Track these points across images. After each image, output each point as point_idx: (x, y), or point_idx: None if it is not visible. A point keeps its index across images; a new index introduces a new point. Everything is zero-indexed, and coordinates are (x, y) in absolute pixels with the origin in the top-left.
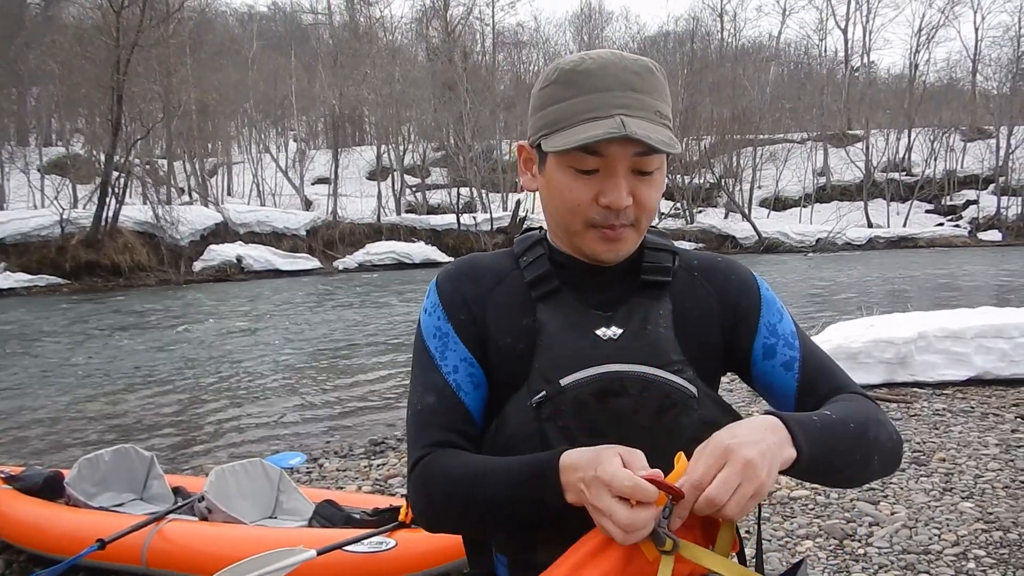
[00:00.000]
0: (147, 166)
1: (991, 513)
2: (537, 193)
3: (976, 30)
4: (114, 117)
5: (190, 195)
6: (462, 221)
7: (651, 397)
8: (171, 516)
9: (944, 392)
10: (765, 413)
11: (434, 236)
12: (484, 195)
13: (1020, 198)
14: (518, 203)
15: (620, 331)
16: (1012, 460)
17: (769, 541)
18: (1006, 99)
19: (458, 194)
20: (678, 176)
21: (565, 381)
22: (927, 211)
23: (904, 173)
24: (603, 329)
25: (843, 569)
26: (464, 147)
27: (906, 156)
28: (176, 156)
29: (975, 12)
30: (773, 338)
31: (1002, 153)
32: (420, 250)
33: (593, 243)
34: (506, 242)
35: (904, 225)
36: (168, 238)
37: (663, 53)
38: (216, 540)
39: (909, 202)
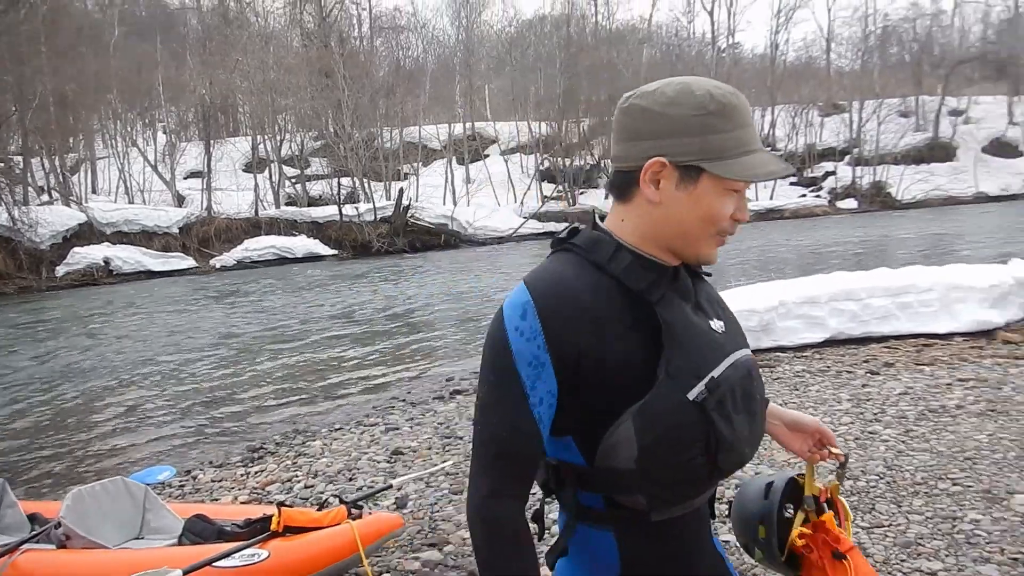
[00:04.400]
0: (0, 164)
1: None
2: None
3: (829, 11)
4: None
5: (50, 194)
6: (345, 212)
7: (759, 374)
8: (25, 547)
9: (803, 355)
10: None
11: (316, 229)
12: (366, 184)
13: (872, 168)
14: (401, 191)
15: (720, 322)
16: (862, 413)
17: None
18: (857, 75)
19: (339, 184)
20: (559, 159)
21: (716, 374)
22: (791, 183)
23: (769, 148)
24: (712, 322)
25: None
26: (344, 135)
27: (771, 132)
28: (33, 152)
29: None
30: None
31: (855, 126)
32: (302, 244)
33: (711, 248)
34: (390, 231)
35: (771, 198)
36: (26, 241)
37: (540, 37)
38: (74, 568)
39: None
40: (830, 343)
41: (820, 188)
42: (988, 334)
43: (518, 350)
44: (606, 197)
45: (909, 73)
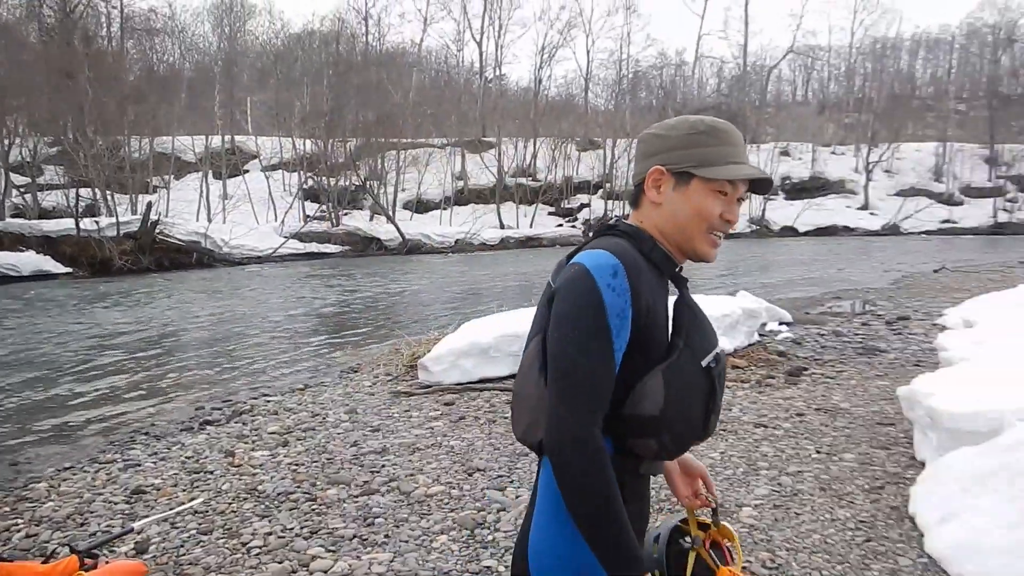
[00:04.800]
0: None
1: None
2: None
3: (588, 52)
4: None
5: None
6: (83, 226)
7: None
8: None
9: None
10: None
11: (48, 244)
12: (109, 196)
13: (622, 202)
14: (149, 205)
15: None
16: None
17: (407, 542)
18: (611, 115)
19: (77, 195)
20: (324, 178)
21: (719, 352)
22: (550, 213)
23: (530, 178)
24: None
25: (474, 558)
26: (86, 142)
27: (532, 163)
28: None
29: (587, 36)
30: None
31: (608, 162)
32: (30, 260)
33: (706, 245)
34: (135, 248)
35: (531, 226)
36: None
37: (308, 52)
38: None
39: (535, 205)
40: None
41: (576, 219)
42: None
43: (610, 303)
44: (371, 219)
45: (656, 116)
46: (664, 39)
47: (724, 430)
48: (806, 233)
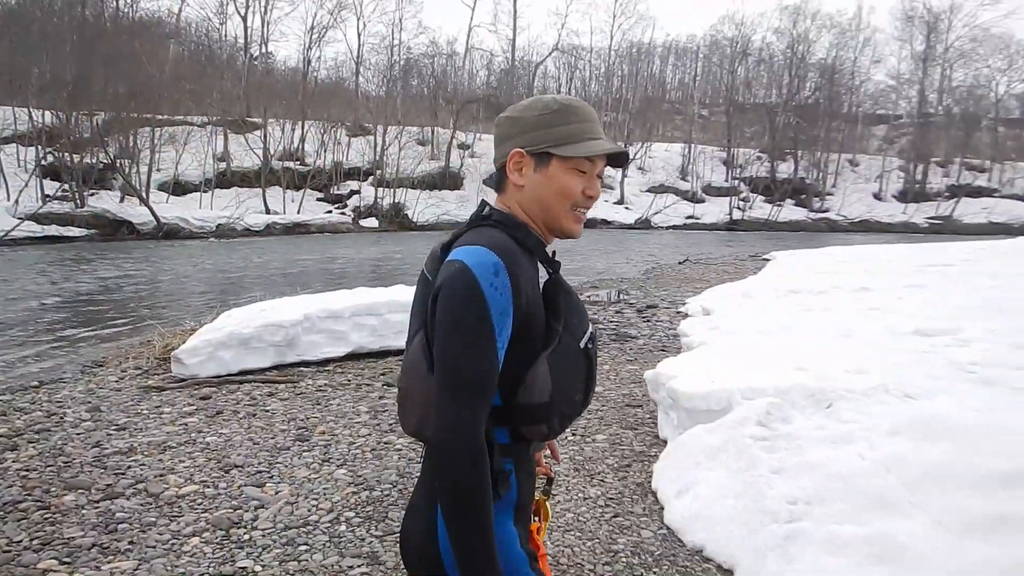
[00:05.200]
0: None
1: (360, 476)
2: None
3: (359, 35)
4: None
5: None
6: None
7: None
8: None
9: (326, 368)
10: None
11: None
12: None
13: (392, 190)
14: None
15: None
16: (378, 424)
17: (155, 547)
18: (383, 101)
19: None
20: (66, 155)
21: (591, 331)
22: (318, 199)
23: (298, 162)
24: None
25: (228, 560)
26: None
27: (300, 146)
28: None
29: (359, 19)
30: None
31: (379, 149)
32: None
33: (572, 223)
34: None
35: (299, 212)
36: None
37: (48, 14)
38: None
39: (303, 190)
40: (352, 357)
41: (345, 206)
42: None
43: (492, 301)
44: (122, 200)
45: (427, 105)
46: (436, 28)
47: None
48: None
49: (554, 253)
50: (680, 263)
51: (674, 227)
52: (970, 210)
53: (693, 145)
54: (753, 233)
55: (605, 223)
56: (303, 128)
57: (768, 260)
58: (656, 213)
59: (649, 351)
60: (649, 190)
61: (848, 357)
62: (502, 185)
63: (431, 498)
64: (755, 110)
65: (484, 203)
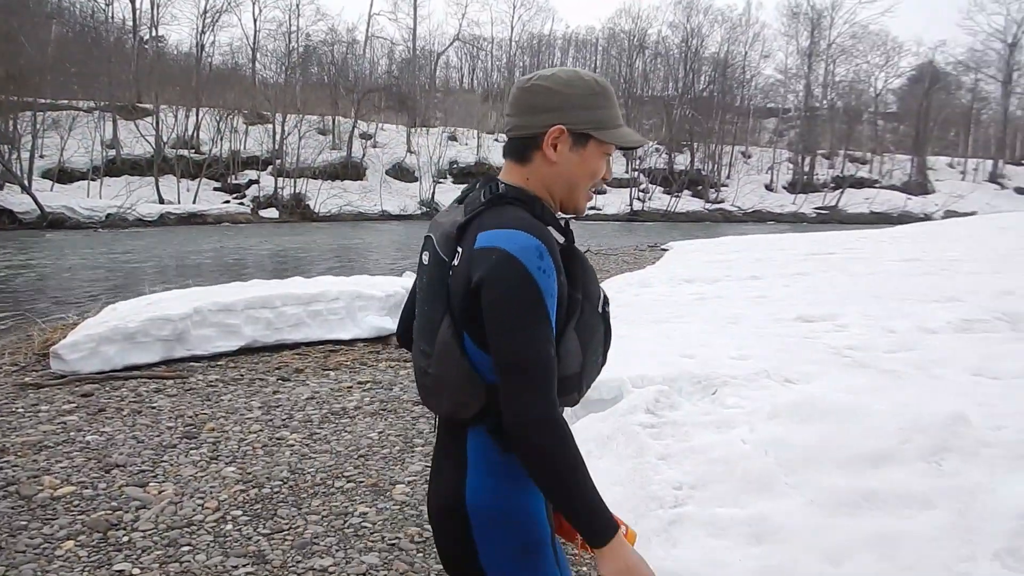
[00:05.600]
0: None
1: (250, 473)
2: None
3: (255, 21)
4: None
5: None
6: None
7: None
8: None
9: (218, 363)
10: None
11: None
12: None
13: (293, 180)
14: None
15: None
16: (271, 420)
17: (24, 552)
18: (282, 89)
19: None
20: None
21: (603, 293)
22: (215, 189)
23: (193, 151)
24: None
25: (105, 563)
26: None
27: (195, 134)
28: None
29: (254, 4)
30: None
31: (278, 138)
32: None
33: (585, 201)
34: None
35: (194, 202)
36: None
37: None
38: None
39: (198, 180)
40: (245, 351)
41: (244, 196)
42: (384, 339)
43: (545, 286)
44: (1, 188)
45: (327, 94)
46: (336, 15)
47: (385, 410)
48: None
49: (567, 223)
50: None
51: (576, 218)
52: (853, 200)
53: None
54: (653, 223)
55: None
56: (198, 115)
57: (666, 250)
58: None
59: None
60: None
61: (734, 344)
62: (527, 156)
63: (446, 466)
64: (653, 102)
65: (490, 178)
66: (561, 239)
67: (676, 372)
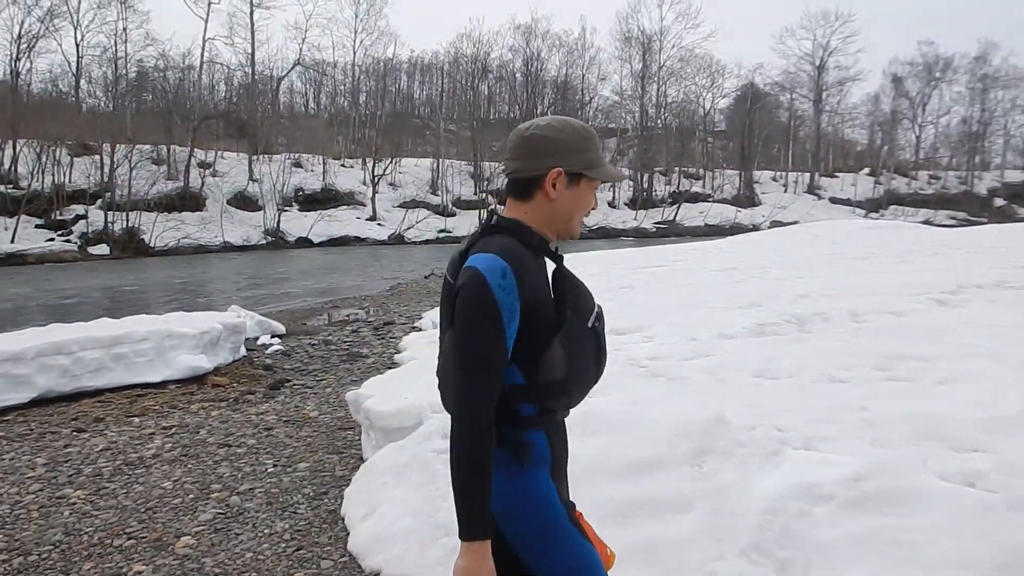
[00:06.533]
0: None
1: (17, 540)
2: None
3: (78, 47)
4: None
5: None
6: None
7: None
8: None
9: (4, 419)
10: None
11: None
12: None
13: (125, 213)
14: None
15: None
16: (55, 477)
17: None
18: (110, 118)
19: None
20: None
21: (598, 310)
22: (37, 226)
23: (11, 186)
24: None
25: None
26: None
27: (12, 168)
28: None
29: (76, 28)
30: None
31: (107, 170)
32: None
33: (578, 227)
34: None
35: (12, 241)
36: None
37: None
38: None
39: (17, 217)
40: (38, 403)
41: (70, 232)
42: (200, 379)
43: (501, 300)
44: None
45: (161, 121)
46: (167, 39)
47: (186, 455)
48: (321, 244)
49: (556, 248)
50: (426, 277)
51: (427, 241)
52: (690, 214)
53: (442, 160)
54: None
55: (358, 240)
56: (15, 147)
57: None
58: (409, 228)
59: (376, 370)
60: (401, 205)
61: None
62: (529, 194)
63: None
64: (499, 125)
65: (492, 212)
66: (553, 264)
67: None
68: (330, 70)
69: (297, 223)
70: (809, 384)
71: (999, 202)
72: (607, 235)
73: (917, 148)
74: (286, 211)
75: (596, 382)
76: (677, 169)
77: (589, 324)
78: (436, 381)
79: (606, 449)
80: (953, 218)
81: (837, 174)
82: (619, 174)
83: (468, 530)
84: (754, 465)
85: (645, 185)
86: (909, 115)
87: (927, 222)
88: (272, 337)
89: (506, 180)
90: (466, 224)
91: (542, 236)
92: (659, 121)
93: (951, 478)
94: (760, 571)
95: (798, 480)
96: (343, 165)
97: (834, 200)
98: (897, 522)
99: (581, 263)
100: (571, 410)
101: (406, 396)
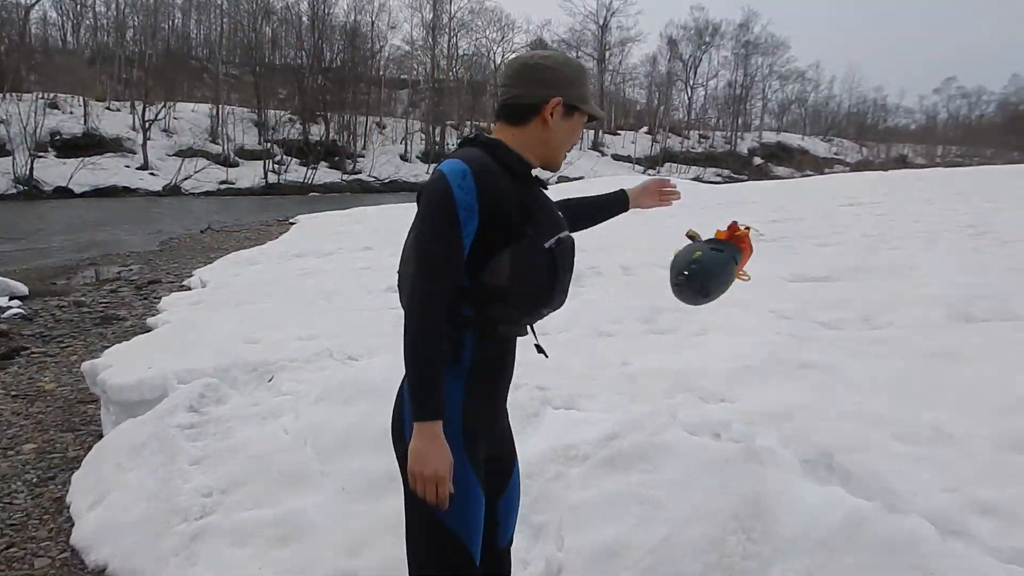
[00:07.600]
0: None
1: None
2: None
3: None
4: None
5: None
6: None
7: (574, 247)
8: None
9: None
10: None
11: None
12: None
13: None
14: None
15: (556, 209)
16: None
17: None
18: None
19: None
20: None
21: (562, 236)
22: None
23: None
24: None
25: None
26: None
27: None
28: None
29: None
30: None
31: None
32: None
33: (561, 161)
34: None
35: None
36: None
37: None
38: None
39: None
40: None
41: None
42: None
43: (459, 200)
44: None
45: None
46: None
47: None
48: (83, 194)
49: (530, 170)
50: (202, 232)
51: (207, 193)
52: None
53: (222, 106)
54: (290, 197)
55: (128, 191)
56: None
57: (293, 223)
58: (186, 179)
59: (136, 333)
60: (177, 154)
61: (308, 323)
62: (524, 120)
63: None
64: (284, 71)
65: (476, 128)
66: (514, 180)
67: (230, 361)
68: (90, 2)
69: (55, 171)
70: (578, 339)
71: (757, 161)
72: (399, 188)
73: (689, 109)
74: (41, 157)
75: (550, 306)
76: (469, 123)
77: (547, 245)
78: (187, 347)
79: (365, 418)
80: (719, 175)
81: (619, 132)
82: (602, 112)
83: (416, 412)
84: (515, 428)
85: (437, 139)
86: (683, 77)
87: (697, 179)
88: (11, 300)
89: (499, 104)
90: (251, 175)
91: (522, 158)
92: (451, 74)
93: (698, 431)
94: (515, 538)
95: (555, 442)
96: (108, 108)
97: (616, 157)
98: (646, 479)
99: (366, 217)
100: (520, 329)
101: (150, 366)
